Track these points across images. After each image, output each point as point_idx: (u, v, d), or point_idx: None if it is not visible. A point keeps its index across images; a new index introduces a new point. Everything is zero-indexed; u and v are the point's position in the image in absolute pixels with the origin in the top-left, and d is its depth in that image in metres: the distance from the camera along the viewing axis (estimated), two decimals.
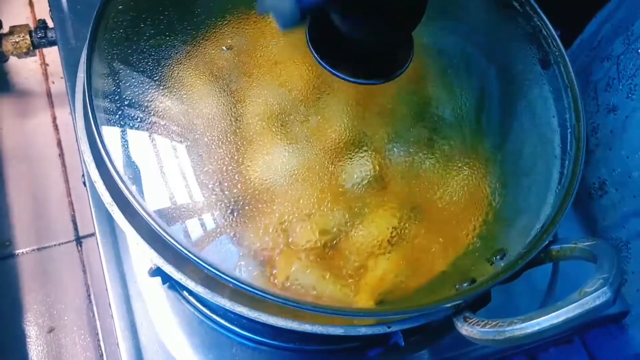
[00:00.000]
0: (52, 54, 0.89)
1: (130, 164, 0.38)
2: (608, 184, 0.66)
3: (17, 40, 0.69)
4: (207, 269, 0.35)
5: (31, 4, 0.92)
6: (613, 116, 0.65)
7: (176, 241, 0.36)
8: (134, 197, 0.37)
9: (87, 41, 0.41)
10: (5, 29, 0.70)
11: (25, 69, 0.87)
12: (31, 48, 0.69)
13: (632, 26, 0.61)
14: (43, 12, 0.89)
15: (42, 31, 0.68)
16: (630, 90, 0.62)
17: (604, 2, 0.69)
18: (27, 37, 0.68)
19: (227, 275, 0.35)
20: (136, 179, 0.37)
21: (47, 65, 0.88)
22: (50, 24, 0.68)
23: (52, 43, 0.69)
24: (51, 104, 0.85)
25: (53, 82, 0.87)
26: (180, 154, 0.39)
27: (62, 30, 0.64)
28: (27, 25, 0.70)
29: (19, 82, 0.86)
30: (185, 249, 0.35)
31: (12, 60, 0.77)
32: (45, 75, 0.87)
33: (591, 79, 0.68)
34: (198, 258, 0.35)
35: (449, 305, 0.37)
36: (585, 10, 0.73)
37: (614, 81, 0.64)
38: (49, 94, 0.86)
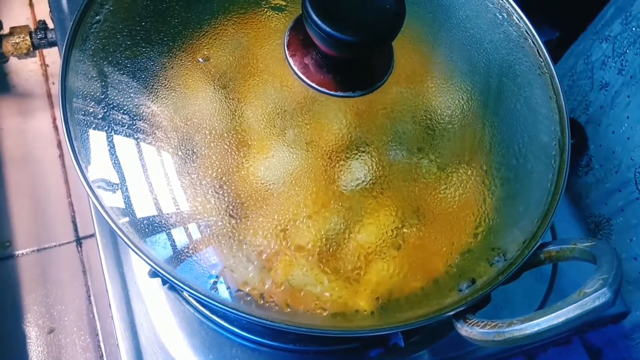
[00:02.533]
0: (52, 54, 0.89)
1: (110, 172, 0.38)
2: (594, 161, 0.67)
3: (17, 41, 0.69)
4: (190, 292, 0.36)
5: (31, 5, 0.92)
6: (604, 92, 0.66)
7: (148, 257, 0.37)
8: (104, 209, 0.37)
9: (63, 52, 0.41)
10: (6, 30, 0.70)
11: (25, 70, 0.87)
12: (31, 49, 0.69)
13: (631, 7, 0.62)
14: (43, 13, 0.89)
15: (42, 32, 0.69)
16: (622, 66, 0.63)
17: (602, 4, 0.69)
18: (27, 38, 0.69)
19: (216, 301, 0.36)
20: (116, 187, 0.38)
21: (47, 66, 0.88)
22: (51, 24, 0.68)
23: (52, 44, 0.69)
24: (51, 105, 0.85)
25: (53, 83, 0.87)
26: (159, 162, 0.39)
27: (62, 31, 0.64)
28: (27, 26, 0.70)
29: (19, 83, 0.86)
30: (166, 271, 0.37)
31: (12, 61, 0.78)
32: (45, 76, 0.88)
33: (590, 59, 0.69)
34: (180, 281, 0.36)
35: (451, 313, 0.37)
36: (584, 12, 0.73)
37: (608, 59, 0.66)
38: (49, 95, 0.86)
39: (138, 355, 0.51)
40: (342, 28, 0.35)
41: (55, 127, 0.83)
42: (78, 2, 0.42)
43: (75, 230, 0.76)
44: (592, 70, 0.69)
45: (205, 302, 0.36)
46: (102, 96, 0.40)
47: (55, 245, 0.75)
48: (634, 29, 0.61)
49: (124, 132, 0.39)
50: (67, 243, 0.75)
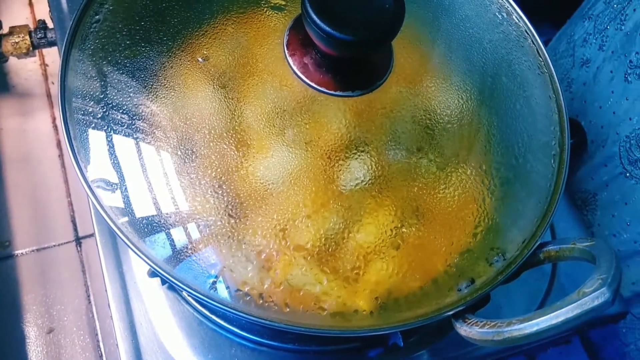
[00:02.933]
0: (52, 54, 0.89)
1: (110, 171, 0.38)
2: (586, 137, 0.68)
3: (16, 40, 0.69)
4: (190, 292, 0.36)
5: (31, 5, 0.92)
6: (585, 69, 0.67)
7: (147, 257, 0.37)
8: (104, 209, 0.37)
9: (63, 52, 0.41)
10: (5, 30, 0.70)
11: (24, 70, 0.87)
12: (31, 48, 0.69)
13: None
14: (43, 12, 0.89)
15: (42, 32, 0.69)
16: (602, 42, 0.64)
17: None
18: (27, 37, 0.69)
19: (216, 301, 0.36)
20: (116, 187, 0.38)
21: (47, 65, 0.88)
22: (50, 24, 0.68)
23: (51, 43, 0.69)
24: (51, 105, 0.85)
25: (52, 83, 0.87)
26: (158, 162, 0.39)
27: (62, 30, 0.64)
28: (26, 26, 0.70)
29: (19, 83, 0.86)
30: (166, 271, 0.37)
31: (12, 61, 0.78)
32: (45, 75, 0.87)
33: (572, 38, 0.70)
34: (179, 280, 0.36)
35: (451, 312, 0.37)
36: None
37: (590, 36, 0.66)
38: (48, 95, 0.86)
39: (137, 355, 0.51)
40: (342, 27, 0.35)
41: (55, 127, 0.83)
42: (77, 1, 0.42)
43: (75, 230, 0.76)
44: (573, 49, 0.70)
45: (205, 302, 0.36)
46: (102, 96, 0.40)
47: (54, 245, 0.75)
48: (615, 5, 0.62)
49: (124, 131, 0.39)
50: (67, 243, 0.75)
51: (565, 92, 0.70)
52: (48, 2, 0.65)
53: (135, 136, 0.39)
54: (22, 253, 0.74)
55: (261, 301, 0.36)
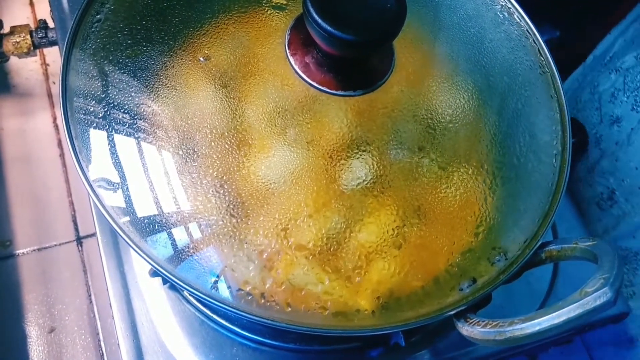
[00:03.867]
0: (53, 54, 0.89)
1: (111, 171, 0.38)
2: (618, 194, 0.67)
3: (17, 40, 0.69)
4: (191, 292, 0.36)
5: (32, 4, 0.92)
6: (617, 128, 0.65)
7: (151, 257, 0.37)
8: (105, 208, 0.37)
9: (64, 52, 0.41)
10: (6, 29, 0.70)
11: (25, 69, 0.87)
12: (32, 48, 0.69)
13: None
14: (44, 12, 0.89)
15: (43, 31, 0.69)
16: (636, 102, 0.62)
17: (603, 4, 0.69)
18: (28, 37, 0.69)
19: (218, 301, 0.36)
20: (117, 187, 0.38)
21: (48, 65, 0.88)
22: (51, 24, 0.68)
23: (52, 43, 0.69)
24: (51, 104, 0.85)
25: (53, 82, 0.87)
26: (159, 161, 0.39)
27: (63, 30, 0.64)
28: (27, 25, 0.70)
29: (20, 83, 0.86)
30: (167, 270, 0.36)
31: (13, 60, 0.78)
32: (46, 75, 0.87)
33: (597, 90, 0.68)
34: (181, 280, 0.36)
35: (452, 312, 0.37)
36: (584, 11, 0.73)
37: (619, 93, 0.65)
38: (49, 94, 0.86)
39: (139, 354, 0.51)
40: (343, 27, 0.35)
41: (56, 127, 0.83)
42: (79, 1, 0.42)
43: (76, 229, 0.76)
44: (599, 102, 0.68)
45: (206, 302, 0.36)
46: (103, 95, 0.40)
47: (55, 245, 0.75)
48: None
49: (125, 131, 0.39)
50: (68, 242, 0.75)
51: (594, 148, 0.69)
52: (49, 2, 0.65)
53: (136, 136, 0.39)
54: (23, 253, 0.74)
55: (263, 301, 0.36)
